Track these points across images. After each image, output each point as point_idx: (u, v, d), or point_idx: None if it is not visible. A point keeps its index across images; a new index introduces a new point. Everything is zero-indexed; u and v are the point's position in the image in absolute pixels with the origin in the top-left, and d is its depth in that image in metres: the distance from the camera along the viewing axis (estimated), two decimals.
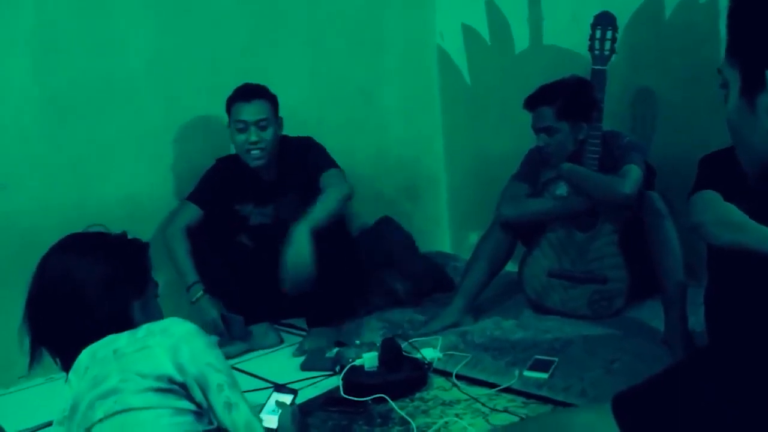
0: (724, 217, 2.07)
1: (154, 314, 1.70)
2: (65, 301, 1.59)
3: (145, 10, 2.97)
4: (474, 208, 3.88)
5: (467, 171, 3.95)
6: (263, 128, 2.91)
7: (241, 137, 2.90)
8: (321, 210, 2.74)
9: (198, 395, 1.50)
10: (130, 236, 1.76)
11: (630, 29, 3.25)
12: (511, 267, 3.15)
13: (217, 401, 1.50)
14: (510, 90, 3.58)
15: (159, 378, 1.47)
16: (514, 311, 3.01)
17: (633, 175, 2.72)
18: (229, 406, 1.50)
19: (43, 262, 1.65)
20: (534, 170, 2.99)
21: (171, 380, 1.48)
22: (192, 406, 1.49)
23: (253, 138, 2.89)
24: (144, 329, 1.57)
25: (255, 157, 2.93)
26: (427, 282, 3.31)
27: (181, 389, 1.49)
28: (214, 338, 2.73)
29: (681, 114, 3.18)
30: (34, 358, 1.64)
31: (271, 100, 2.96)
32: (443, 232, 4.09)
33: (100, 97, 2.88)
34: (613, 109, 2.98)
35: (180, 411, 1.47)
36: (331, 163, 2.96)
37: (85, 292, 1.59)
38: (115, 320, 1.60)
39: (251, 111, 2.89)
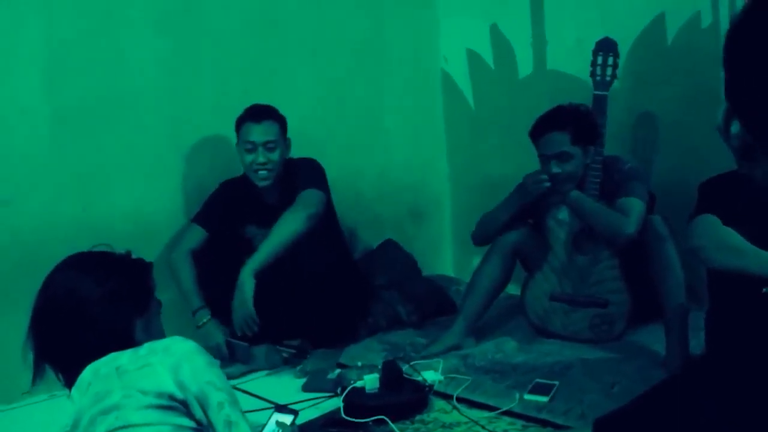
0: (722, 242, 2.10)
1: (156, 333, 1.72)
2: (69, 317, 1.62)
3: (153, 30, 3.01)
4: None
5: (471, 194, 3.97)
6: (271, 150, 2.94)
7: (249, 157, 2.93)
8: (267, 248, 2.79)
9: (198, 413, 1.51)
10: (135, 255, 1.78)
11: (633, 53, 3.29)
12: (513, 290, 3.17)
13: (218, 419, 1.51)
14: (514, 114, 3.61)
15: (160, 395, 1.49)
16: (516, 334, 3.01)
17: (636, 211, 2.72)
18: (229, 424, 1.51)
19: (48, 279, 1.67)
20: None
21: (172, 397, 1.49)
22: (192, 423, 1.51)
23: (261, 159, 2.92)
24: (146, 347, 1.58)
25: (262, 178, 2.96)
26: (430, 305, 3.32)
27: (182, 406, 1.50)
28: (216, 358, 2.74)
29: (682, 137, 3.20)
30: (37, 374, 1.66)
31: (280, 121, 3.00)
32: (446, 256, 4.10)
33: (108, 115, 2.91)
34: (614, 133, 3.00)
35: (180, 428, 1.48)
36: (309, 183, 2.96)
37: (88, 310, 1.61)
38: (117, 338, 1.62)
39: (260, 132, 2.92)
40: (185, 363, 1.53)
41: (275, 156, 2.95)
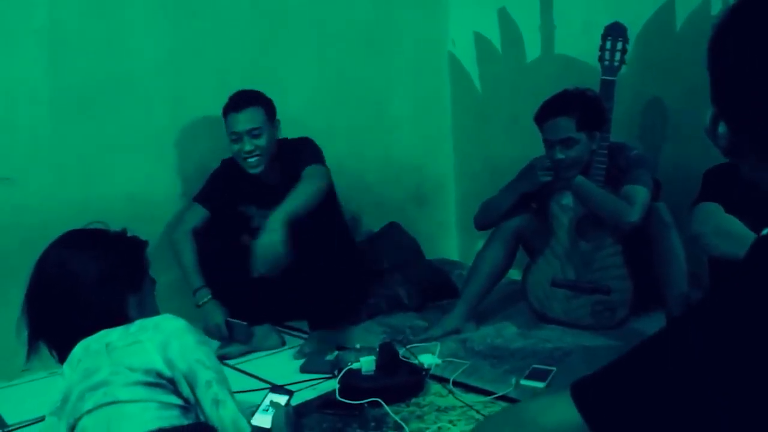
0: (722, 228, 2.12)
1: (149, 310, 1.72)
2: (62, 294, 1.62)
3: (155, 11, 3.00)
4: None
5: (476, 178, 3.95)
6: (256, 136, 2.92)
7: (236, 147, 2.93)
8: (295, 199, 2.69)
9: (186, 390, 1.51)
10: (131, 233, 1.79)
11: (641, 39, 3.26)
12: (515, 275, 3.16)
13: (205, 397, 1.51)
14: (520, 98, 3.59)
15: (148, 372, 1.49)
16: (517, 319, 3.01)
17: (640, 199, 2.70)
18: (216, 402, 1.52)
19: (43, 256, 1.68)
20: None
21: (159, 375, 1.50)
22: (179, 401, 1.51)
23: (248, 147, 2.91)
24: (137, 324, 1.58)
25: (252, 165, 2.95)
26: (431, 288, 3.32)
27: (170, 384, 1.51)
28: (206, 336, 2.72)
29: (690, 124, 3.16)
30: (31, 350, 1.67)
31: (265, 105, 2.95)
32: (451, 239, 4.09)
33: (110, 96, 2.91)
34: (622, 119, 2.97)
35: (166, 405, 1.48)
36: (314, 159, 2.93)
37: (81, 286, 1.62)
38: (110, 315, 1.62)
39: (242, 120, 2.90)
40: (174, 340, 1.53)
41: (262, 141, 2.92)
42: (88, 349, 1.56)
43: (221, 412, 1.52)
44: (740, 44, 0.86)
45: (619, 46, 2.87)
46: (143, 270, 1.75)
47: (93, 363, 1.53)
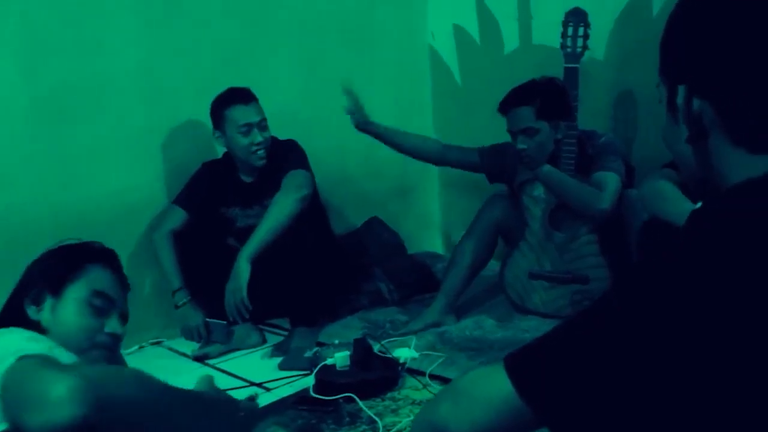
0: (658, 191, 2.37)
1: (65, 317, 1.57)
2: None
3: (130, 12, 2.99)
4: (466, 208, 3.87)
5: (459, 171, 3.95)
6: (264, 128, 2.98)
7: (246, 140, 2.94)
8: (262, 233, 2.79)
9: None
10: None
11: (616, 28, 3.25)
12: (496, 266, 3.16)
13: None
14: (500, 89, 3.52)
15: None
16: (497, 311, 3.01)
17: (611, 186, 2.71)
18: None
19: None
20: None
21: None
22: None
23: (259, 139, 2.94)
24: None
25: (260, 157, 2.98)
26: (412, 282, 3.32)
27: None
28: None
29: (663, 114, 3.15)
30: None
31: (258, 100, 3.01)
32: (435, 233, 4.10)
33: (88, 98, 2.90)
34: (595, 110, 2.97)
35: None
36: (297, 164, 2.96)
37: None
38: (12, 312, 1.57)
39: (253, 112, 2.94)
40: None
41: (268, 134, 2.99)
42: None
43: None
44: (709, 11, 0.89)
45: (581, 31, 2.85)
46: (71, 278, 1.60)
47: None
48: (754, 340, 0.76)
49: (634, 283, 0.85)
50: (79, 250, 1.65)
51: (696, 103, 0.91)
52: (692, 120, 0.92)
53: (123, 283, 1.68)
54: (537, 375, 0.86)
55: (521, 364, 0.88)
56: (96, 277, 1.60)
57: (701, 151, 0.94)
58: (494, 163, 3.09)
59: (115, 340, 1.61)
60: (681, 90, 0.93)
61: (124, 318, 1.65)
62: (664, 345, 0.79)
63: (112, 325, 1.59)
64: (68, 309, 1.56)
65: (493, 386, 0.88)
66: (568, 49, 2.84)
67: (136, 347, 2.94)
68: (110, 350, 1.60)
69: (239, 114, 2.93)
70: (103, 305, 1.59)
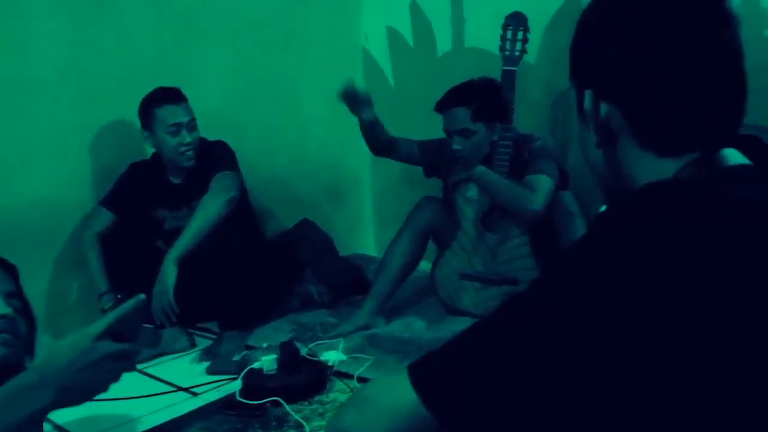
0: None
1: None
2: None
3: (54, 12, 2.89)
4: (398, 209, 3.84)
5: (392, 172, 3.94)
6: (193, 128, 2.94)
7: (174, 140, 2.89)
8: (188, 236, 2.74)
9: None
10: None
11: (550, 31, 3.28)
12: (428, 267, 3.16)
13: None
14: (433, 92, 3.54)
15: None
16: (428, 313, 3.01)
17: (543, 188, 2.73)
18: None
19: None
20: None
21: None
22: None
23: (188, 139, 2.91)
24: None
25: (189, 158, 2.94)
26: (343, 284, 3.30)
27: None
28: None
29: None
30: None
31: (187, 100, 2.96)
32: (368, 234, 4.08)
33: (11, 98, 2.80)
34: (532, 112, 2.99)
35: None
36: (226, 165, 2.93)
37: None
38: None
39: (182, 113, 2.90)
40: None
41: (197, 134, 2.95)
42: None
43: None
44: (612, 18, 0.91)
45: (520, 35, 2.87)
46: None
47: None
48: (666, 335, 0.76)
49: (540, 287, 0.85)
50: None
51: (603, 108, 0.91)
52: (600, 125, 0.92)
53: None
54: (439, 383, 0.85)
55: (424, 373, 0.87)
56: None
57: (611, 156, 0.94)
58: (432, 157, 3.09)
59: (10, 323, 1.57)
60: (588, 95, 0.93)
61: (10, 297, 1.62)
62: (571, 347, 0.78)
63: None
64: None
65: (397, 395, 0.87)
66: (507, 52, 2.85)
67: None
68: (10, 333, 1.56)
69: (168, 114, 2.88)
70: None
